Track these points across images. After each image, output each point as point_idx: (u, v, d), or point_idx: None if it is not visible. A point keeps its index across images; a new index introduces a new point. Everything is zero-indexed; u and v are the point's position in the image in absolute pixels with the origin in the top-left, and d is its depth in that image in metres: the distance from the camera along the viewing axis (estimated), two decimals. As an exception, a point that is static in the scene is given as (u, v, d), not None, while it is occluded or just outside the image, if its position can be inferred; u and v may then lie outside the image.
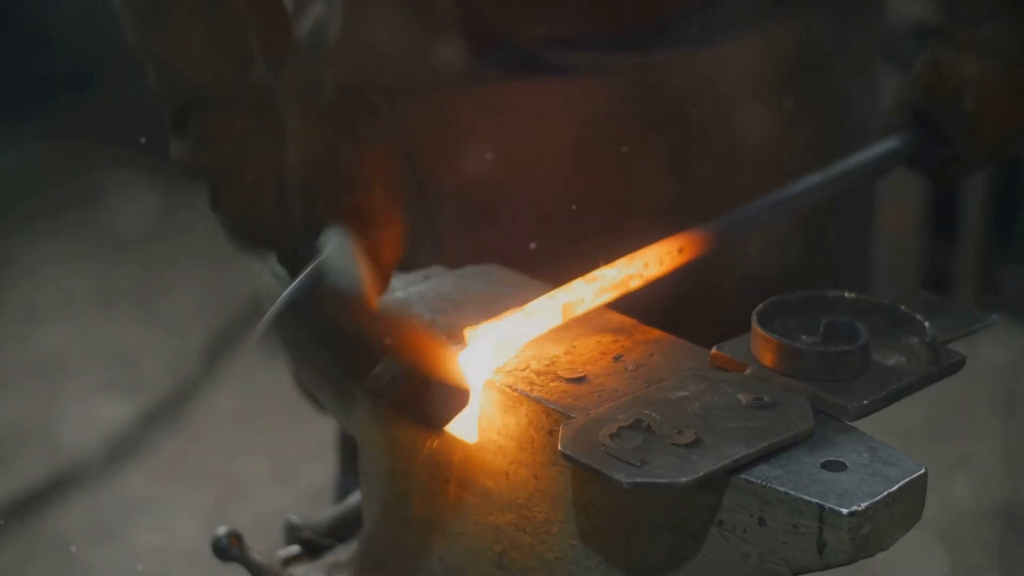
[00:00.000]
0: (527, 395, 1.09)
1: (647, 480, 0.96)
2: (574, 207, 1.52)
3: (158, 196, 4.44)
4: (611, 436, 1.00)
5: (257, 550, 1.32)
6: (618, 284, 1.19)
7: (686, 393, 1.06)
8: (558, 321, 1.16)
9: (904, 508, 0.97)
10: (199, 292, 4.15)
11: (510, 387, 1.10)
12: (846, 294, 1.15)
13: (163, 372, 3.74)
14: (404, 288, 1.26)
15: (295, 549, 1.36)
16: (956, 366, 1.11)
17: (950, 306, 1.20)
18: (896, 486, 0.96)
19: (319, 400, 1.39)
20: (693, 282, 1.32)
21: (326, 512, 1.40)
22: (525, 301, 1.17)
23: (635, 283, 1.20)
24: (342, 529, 1.38)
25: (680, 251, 1.25)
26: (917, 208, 4.10)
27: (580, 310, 1.18)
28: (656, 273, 1.22)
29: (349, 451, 1.77)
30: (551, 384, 1.10)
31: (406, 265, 1.35)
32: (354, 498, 1.41)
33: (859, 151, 1.51)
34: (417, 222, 1.54)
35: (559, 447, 1.00)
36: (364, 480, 1.26)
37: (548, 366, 1.13)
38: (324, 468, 3.33)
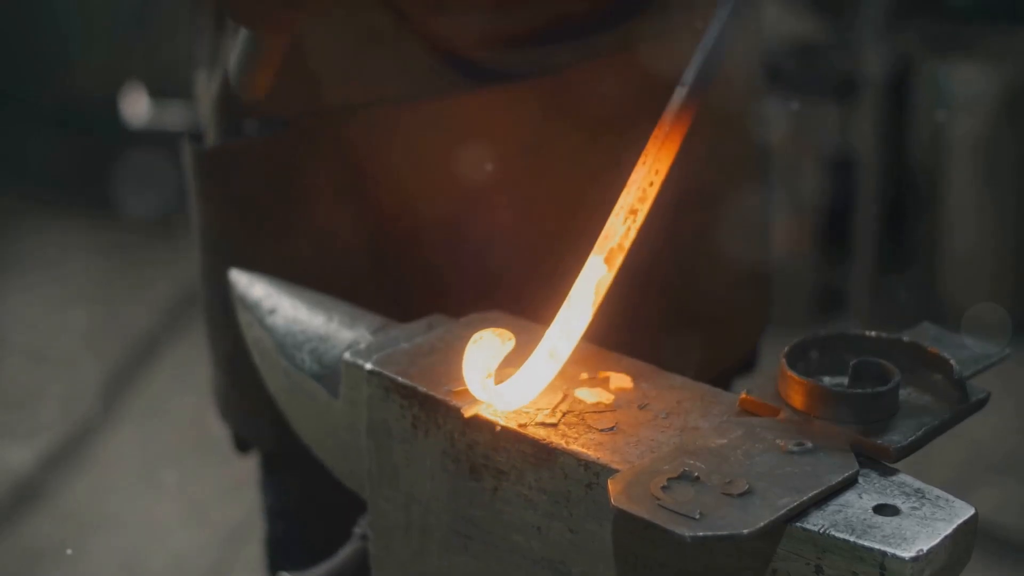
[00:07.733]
0: (562, 448, 1.07)
1: (710, 533, 0.95)
2: (528, 211, 1.50)
3: (54, 234, 4.35)
4: (662, 488, 0.99)
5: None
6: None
7: (725, 440, 1.05)
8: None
9: (959, 549, 0.98)
10: (89, 331, 4.07)
11: (543, 440, 1.08)
12: (867, 333, 1.15)
13: (59, 415, 3.65)
14: (409, 339, 1.23)
15: (293, 607, 1.32)
16: (982, 402, 1.12)
17: (959, 339, 1.21)
18: (952, 528, 0.97)
19: (316, 454, 1.36)
20: None
21: (319, 567, 1.37)
22: (534, 347, 1.16)
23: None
24: (339, 584, 1.35)
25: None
26: (810, 224, 4.16)
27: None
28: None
29: (271, 493, 1.73)
30: (584, 436, 1.08)
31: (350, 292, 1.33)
32: (347, 550, 1.38)
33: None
34: (361, 243, 1.51)
35: (612, 502, 0.98)
36: (376, 536, 1.24)
37: (577, 417, 1.11)
38: (236, 507, 3.28)
